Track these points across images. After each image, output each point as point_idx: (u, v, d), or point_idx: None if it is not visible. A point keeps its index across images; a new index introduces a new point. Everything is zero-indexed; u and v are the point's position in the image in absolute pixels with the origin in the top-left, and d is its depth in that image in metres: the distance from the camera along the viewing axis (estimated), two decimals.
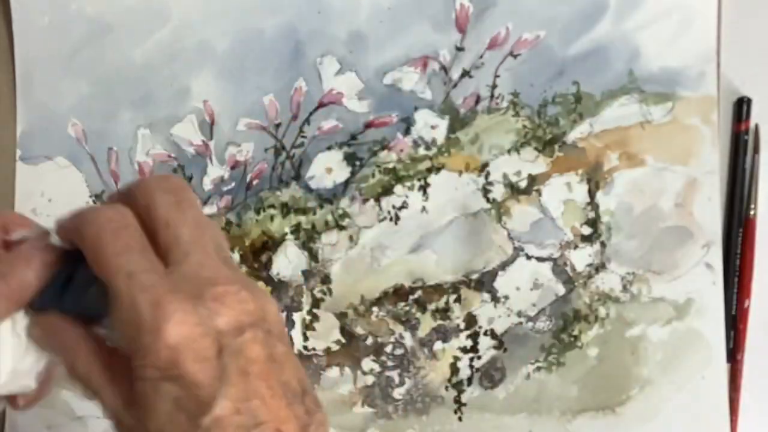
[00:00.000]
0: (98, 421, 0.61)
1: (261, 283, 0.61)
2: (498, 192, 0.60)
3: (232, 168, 0.61)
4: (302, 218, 0.61)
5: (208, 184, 0.61)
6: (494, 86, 0.60)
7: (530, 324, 0.60)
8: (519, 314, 0.60)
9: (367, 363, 0.60)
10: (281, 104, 0.61)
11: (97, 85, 0.62)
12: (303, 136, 0.61)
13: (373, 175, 0.60)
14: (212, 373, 0.34)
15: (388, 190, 0.60)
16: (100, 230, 0.36)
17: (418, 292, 0.60)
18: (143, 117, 0.61)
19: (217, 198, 0.61)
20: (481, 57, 0.60)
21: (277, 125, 0.61)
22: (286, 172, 0.61)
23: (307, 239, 0.61)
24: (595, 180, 0.60)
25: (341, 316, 0.60)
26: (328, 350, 0.61)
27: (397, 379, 0.60)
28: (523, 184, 0.60)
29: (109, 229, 0.36)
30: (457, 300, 0.60)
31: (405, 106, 0.60)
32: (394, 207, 0.60)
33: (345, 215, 0.60)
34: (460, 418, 0.59)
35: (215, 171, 0.61)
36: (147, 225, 0.37)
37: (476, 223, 0.60)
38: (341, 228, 0.61)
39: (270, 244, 0.61)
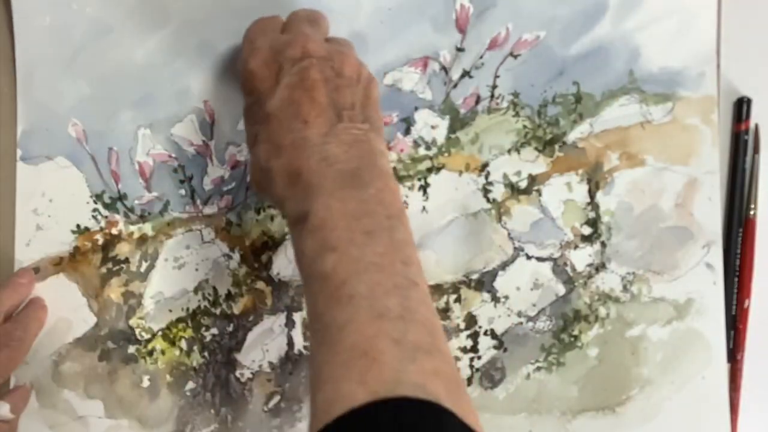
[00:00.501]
0: (100, 420, 0.61)
1: (261, 284, 0.61)
2: (498, 192, 0.60)
3: (233, 168, 0.61)
4: None
5: (208, 184, 0.61)
6: (494, 86, 0.60)
7: (530, 324, 0.60)
8: (519, 314, 0.60)
9: None
10: None
11: (97, 85, 0.61)
12: None
13: None
14: (269, 85, 0.51)
15: None
16: (252, 25, 0.55)
17: None
18: (143, 117, 0.61)
19: (217, 198, 0.61)
20: (481, 57, 0.60)
21: None
22: None
23: None
24: (595, 180, 0.60)
25: None
26: None
27: None
28: (523, 184, 0.60)
29: (260, 24, 0.55)
30: (457, 300, 0.60)
31: (405, 106, 0.61)
32: None
33: None
34: None
35: (215, 171, 0.61)
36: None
37: (476, 223, 0.60)
38: None
39: (270, 244, 0.61)
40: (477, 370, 0.60)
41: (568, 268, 0.60)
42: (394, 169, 0.60)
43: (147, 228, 0.62)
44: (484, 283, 0.60)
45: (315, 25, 0.54)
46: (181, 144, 0.61)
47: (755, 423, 0.59)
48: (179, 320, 0.61)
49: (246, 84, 0.52)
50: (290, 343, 0.61)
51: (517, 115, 0.60)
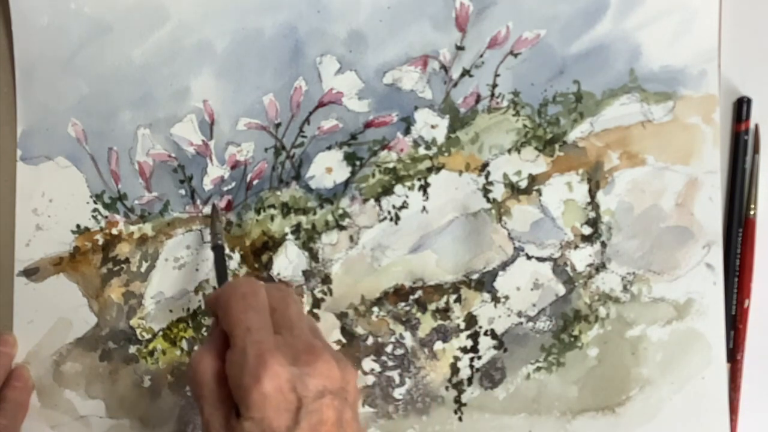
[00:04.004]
0: (101, 420, 0.62)
1: None
2: (498, 192, 0.60)
3: (232, 168, 0.61)
4: (302, 218, 0.61)
5: (208, 184, 0.61)
6: (494, 85, 0.60)
7: (530, 324, 0.60)
8: (519, 314, 0.60)
9: (368, 363, 0.60)
10: (281, 104, 0.61)
11: (96, 85, 0.61)
12: (303, 136, 0.61)
13: (373, 175, 0.60)
14: (287, 422, 0.43)
15: (388, 190, 0.60)
16: (232, 294, 0.47)
17: (419, 292, 0.60)
18: (143, 117, 0.61)
19: (217, 198, 0.61)
20: (481, 56, 0.60)
21: (277, 125, 0.61)
22: (286, 172, 0.61)
23: (308, 239, 0.61)
24: (595, 180, 0.59)
25: (342, 316, 0.60)
26: None
27: (397, 379, 0.60)
28: (523, 183, 0.60)
29: (239, 293, 0.47)
30: (458, 300, 0.60)
31: (405, 106, 0.60)
32: (394, 207, 0.60)
33: (345, 215, 0.60)
34: (460, 418, 0.60)
35: (215, 171, 0.61)
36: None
37: (476, 223, 0.60)
38: (341, 228, 0.61)
39: (270, 244, 0.61)
40: (477, 370, 0.60)
41: (568, 268, 0.60)
42: (394, 169, 0.60)
43: (147, 228, 0.62)
44: (485, 283, 0.60)
45: (302, 315, 0.49)
46: (180, 144, 0.61)
47: (755, 423, 0.59)
48: (180, 320, 0.61)
49: (248, 403, 0.44)
50: None
51: (517, 114, 0.60)
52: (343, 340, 0.60)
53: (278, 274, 0.61)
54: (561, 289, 0.60)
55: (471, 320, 0.60)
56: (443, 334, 0.60)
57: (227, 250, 0.61)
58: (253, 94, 0.61)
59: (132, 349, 0.62)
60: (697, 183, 0.59)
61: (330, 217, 0.61)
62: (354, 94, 0.60)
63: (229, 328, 0.46)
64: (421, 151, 0.60)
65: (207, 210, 0.61)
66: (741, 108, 0.59)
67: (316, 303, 0.61)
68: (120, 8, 0.61)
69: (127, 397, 0.61)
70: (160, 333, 0.61)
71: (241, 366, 0.44)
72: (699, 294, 0.59)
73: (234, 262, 0.61)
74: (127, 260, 0.62)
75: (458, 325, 0.60)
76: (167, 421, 0.61)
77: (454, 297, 0.60)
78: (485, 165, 0.60)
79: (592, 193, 0.60)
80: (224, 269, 0.57)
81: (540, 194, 0.60)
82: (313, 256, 0.61)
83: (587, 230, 0.60)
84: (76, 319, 0.62)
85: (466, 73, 0.60)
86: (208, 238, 0.61)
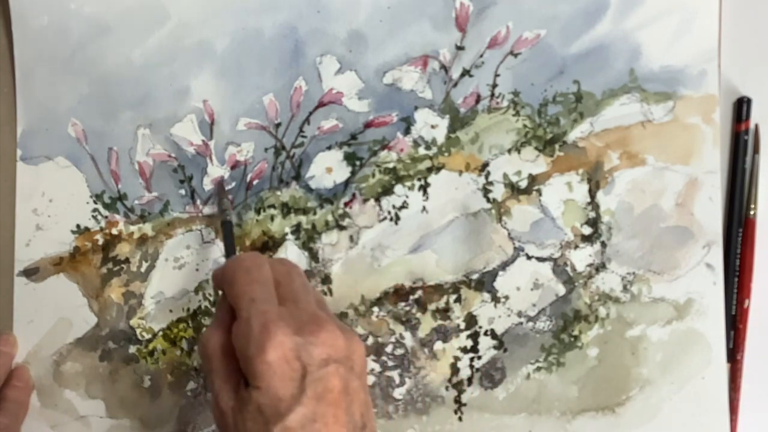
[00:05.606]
0: (101, 420, 0.62)
1: None
2: (498, 192, 0.60)
3: (232, 168, 0.61)
4: (302, 218, 0.61)
5: (208, 184, 0.61)
6: (494, 85, 0.60)
7: (530, 324, 0.60)
8: (519, 314, 0.60)
9: (368, 363, 0.60)
10: (281, 104, 0.61)
11: (96, 85, 0.61)
12: (303, 136, 0.61)
13: (373, 175, 0.60)
14: (292, 391, 0.44)
15: (388, 190, 0.60)
16: (237, 267, 0.48)
17: (419, 292, 0.60)
18: (143, 117, 0.61)
19: (217, 198, 0.61)
20: (481, 56, 0.60)
21: (277, 125, 0.61)
22: (286, 172, 0.61)
23: (308, 239, 0.61)
24: (595, 180, 0.60)
25: (342, 316, 0.60)
26: None
27: (397, 379, 0.60)
28: (523, 183, 0.60)
29: (244, 267, 0.48)
30: (458, 300, 0.60)
31: (405, 106, 0.60)
32: (394, 207, 0.60)
33: (345, 215, 0.60)
34: (460, 418, 0.60)
35: (215, 171, 0.61)
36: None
37: (476, 223, 0.60)
38: (341, 228, 0.61)
39: (270, 244, 0.61)
40: (477, 370, 0.60)
41: (568, 268, 0.60)
42: (394, 169, 0.60)
43: (147, 228, 0.62)
44: (485, 283, 0.60)
45: (307, 288, 0.49)
46: (180, 144, 0.61)
47: (755, 423, 0.59)
48: (180, 320, 0.61)
49: (253, 373, 0.44)
50: None
51: (517, 114, 0.60)
52: None
53: None
54: (561, 289, 0.60)
55: (471, 320, 0.60)
56: (443, 334, 0.60)
57: None
58: (253, 94, 0.61)
59: (132, 349, 0.62)
60: (697, 183, 0.59)
61: (330, 217, 0.61)
62: (354, 94, 0.60)
63: (234, 301, 0.47)
64: (421, 151, 0.60)
65: (207, 210, 0.61)
66: (741, 108, 0.59)
67: None
68: (120, 8, 0.61)
69: (127, 397, 0.61)
70: (160, 333, 0.61)
71: (247, 336, 0.45)
72: (699, 294, 0.59)
73: None
74: (127, 260, 0.62)
75: (458, 325, 0.60)
76: (167, 421, 0.61)
77: (454, 297, 0.60)
78: (485, 165, 0.60)
79: (592, 193, 0.60)
80: (232, 244, 0.57)
81: (540, 194, 0.60)
82: (313, 256, 0.61)
83: (587, 230, 0.60)
84: (76, 319, 0.62)
85: (466, 73, 0.60)
86: (208, 238, 0.61)
